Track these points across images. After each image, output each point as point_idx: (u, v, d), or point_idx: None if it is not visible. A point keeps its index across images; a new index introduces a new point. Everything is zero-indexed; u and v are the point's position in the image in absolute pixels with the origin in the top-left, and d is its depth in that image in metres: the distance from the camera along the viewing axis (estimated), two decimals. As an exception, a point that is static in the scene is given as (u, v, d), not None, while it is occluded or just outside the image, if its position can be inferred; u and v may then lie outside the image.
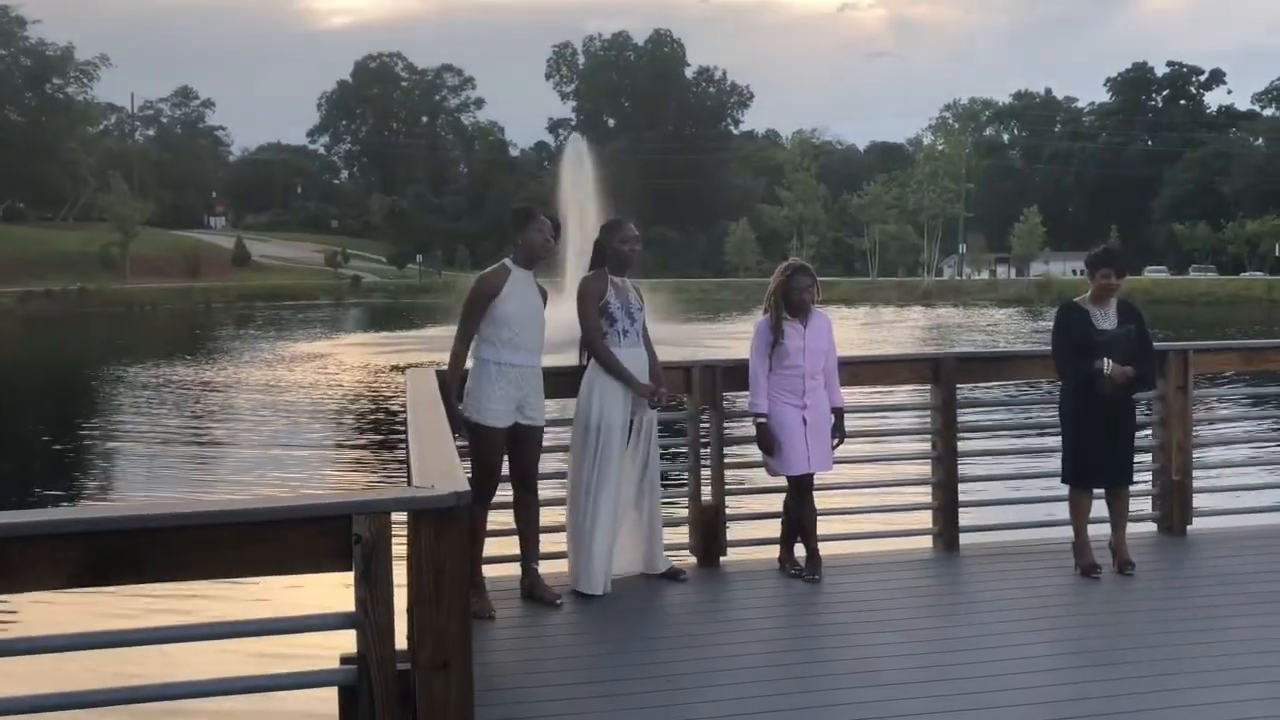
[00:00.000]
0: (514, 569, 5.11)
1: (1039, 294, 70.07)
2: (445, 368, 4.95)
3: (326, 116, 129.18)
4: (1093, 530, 5.46)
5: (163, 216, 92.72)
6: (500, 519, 5.16)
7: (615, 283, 5.09)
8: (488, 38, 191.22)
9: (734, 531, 5.74)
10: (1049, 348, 5.49)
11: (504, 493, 4.99)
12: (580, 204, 42.09)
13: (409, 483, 3.62)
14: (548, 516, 5.23)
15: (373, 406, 17.55)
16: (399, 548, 2.68)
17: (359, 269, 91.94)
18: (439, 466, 2.98)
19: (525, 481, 4.99)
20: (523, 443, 4.89)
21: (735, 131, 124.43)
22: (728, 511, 5.67)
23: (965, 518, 5.94)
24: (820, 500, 5.45)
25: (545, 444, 5.09)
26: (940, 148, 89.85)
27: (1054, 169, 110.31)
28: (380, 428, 15.20)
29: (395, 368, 23.05)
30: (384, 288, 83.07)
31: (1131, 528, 5.59)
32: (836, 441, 5.36)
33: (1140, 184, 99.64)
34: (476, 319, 4.80)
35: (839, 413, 5.37)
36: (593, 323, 5.03)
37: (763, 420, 5.23)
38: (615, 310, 5.02)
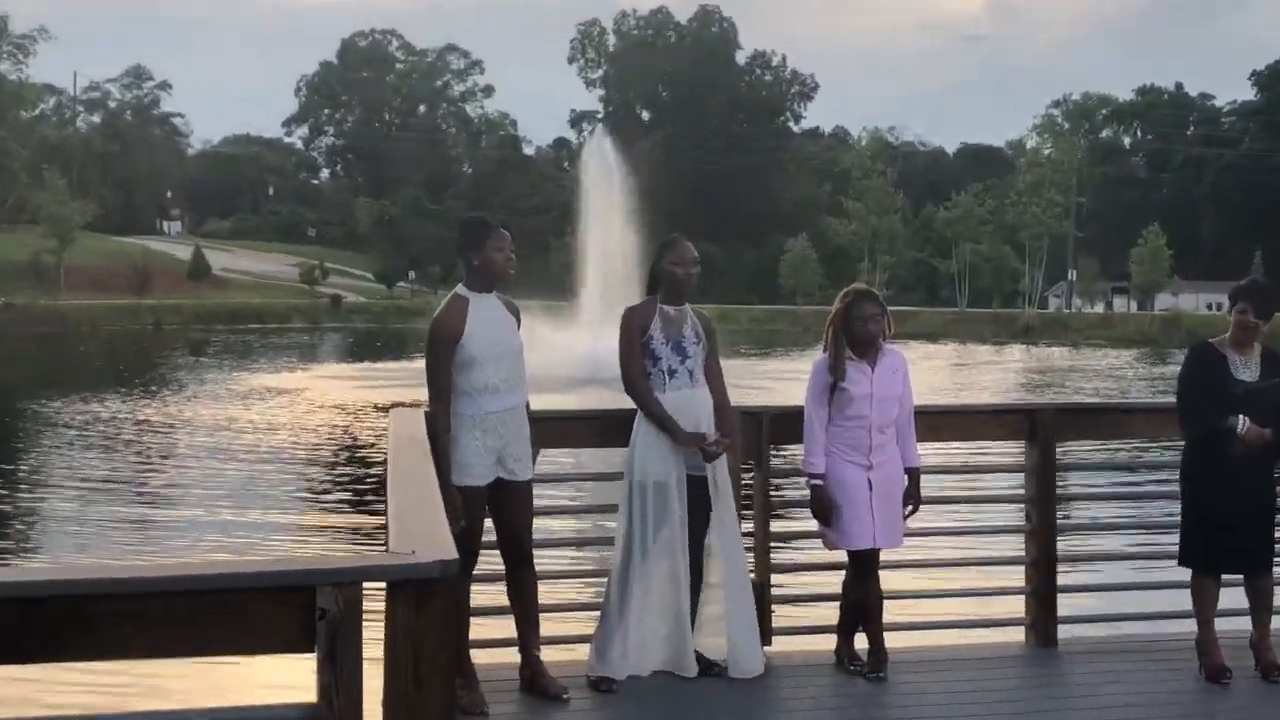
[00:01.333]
0: (511, 655, 5.12)
1: (1164, 332, 69.44)
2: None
3: (306, 104, 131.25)
4: (1225, 625, 5.40)
5: (107, 220, 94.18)
6: (493, 594, 5.18)
7: (667, 313, 5.18)
8: (499, 13, 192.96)
9: (782, 616, 5.72)
10: (1173, 399, 5.46)
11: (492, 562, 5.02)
12: (605, 213, 42.36)
13: (387, 547, 3.65)
14: (557, 593, 5.24)
15: (348, 454, 17.63)
16: (374, 627, 2.71)
17: (340, 286, 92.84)
18: (422, 528, 3.01)
19: (517, 550, 5.01)
20: (508, 502, 4.92)
21: (795, 129, 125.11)
22: (774, 592, 5.67)
23: (1065, 606, 5.90)
24: (887, 581, 5.44)
25: (562, 504, 5.13)
26: (1047, 152, 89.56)
27: (1185, 180, 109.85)
28: (357, 480, 15.26)
29: (378, 407, 23.17)
30: (369, 309, 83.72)
31: (1276, 621, 5.51)
32: (909, 510, 5.35)
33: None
34: (447, 371, 4.82)
35: (913, 474, 5.36)
36: (632, 361, 5.11)
37: (818, 482, 5.24)
38: (658, 346, 5.11)
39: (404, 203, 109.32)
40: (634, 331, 5.13)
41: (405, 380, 28.88)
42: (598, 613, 5.22)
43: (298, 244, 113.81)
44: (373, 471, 15.24)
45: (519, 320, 5.07)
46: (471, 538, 4.85)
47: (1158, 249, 79.12)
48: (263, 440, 19.17)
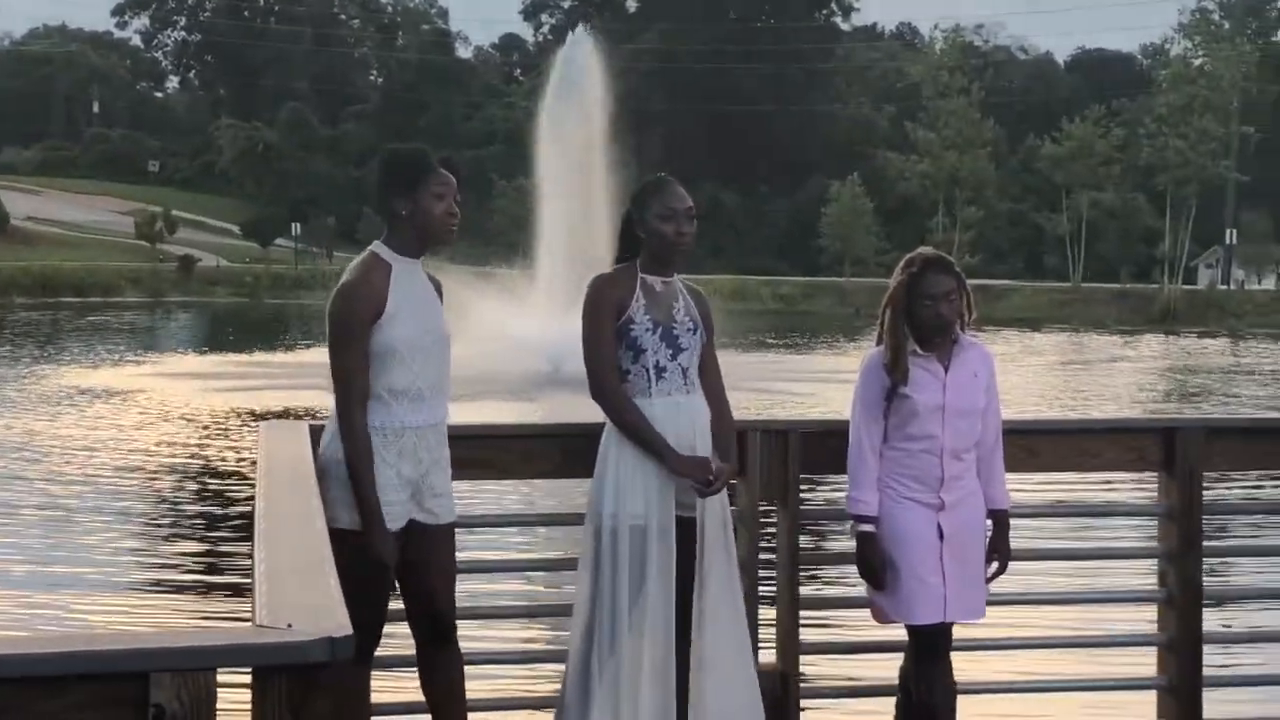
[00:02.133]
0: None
1: (1363, 320, 69.98)
2: (326, 420, 5.00)
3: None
4: None
5: None
6: (399, 683, 5.20)
7: (651, 287, 5.17)
8: None
9: (813, 716, 5.76)
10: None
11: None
12: (577, 146, 42.34)
13: (252, 619, 3.64)
14: (493, 685, 5.26)
15: (200, 485, 17.60)
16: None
17: (193, 245, 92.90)
18: (303, 592, 3.01)
19: (436, 621, 5.02)
20: (425, 555, 4.93)
21: (845, 26, 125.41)
22: (803, 683, 5.69)
23: (1215, 704, 5.93)
24: (963, 667, 5.47)
25: (503, 559, 5.14)
26: (1198, 63, 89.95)
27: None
28: (211, 524, 15.24)
29: (250, 416, 23.17)
30: (234, 277, 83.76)
31: None
32: (995, 569, 5.40)
33: None
34: (365, 361, 4.81)
35: (1002, 519, 5.41)
36: (602, 355, 5.11)
37: (868, 528, 5.27)
38: (641, 334, 5.08)
39: (284, 127, 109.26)
40: (606, 312, 5.11)
41: (288, 380, 28.90)
42: (551, 712, 5.23)
43: (133, 183, 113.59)
44: (234, 511, 15.22)
45: (442, 298, 5.10)
46: (375, 606, 4.86)
47: (1354, 201, 79.41)
48: (76, 465, 19.11)
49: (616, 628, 4.99)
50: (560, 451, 5.56)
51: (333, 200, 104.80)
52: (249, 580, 4.49)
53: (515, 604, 7.54)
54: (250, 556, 4.75)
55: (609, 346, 5.09)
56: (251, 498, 4.94)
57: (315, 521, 3.82)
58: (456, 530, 5.08)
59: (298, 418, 18.28)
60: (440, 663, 5.03)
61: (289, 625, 2.76)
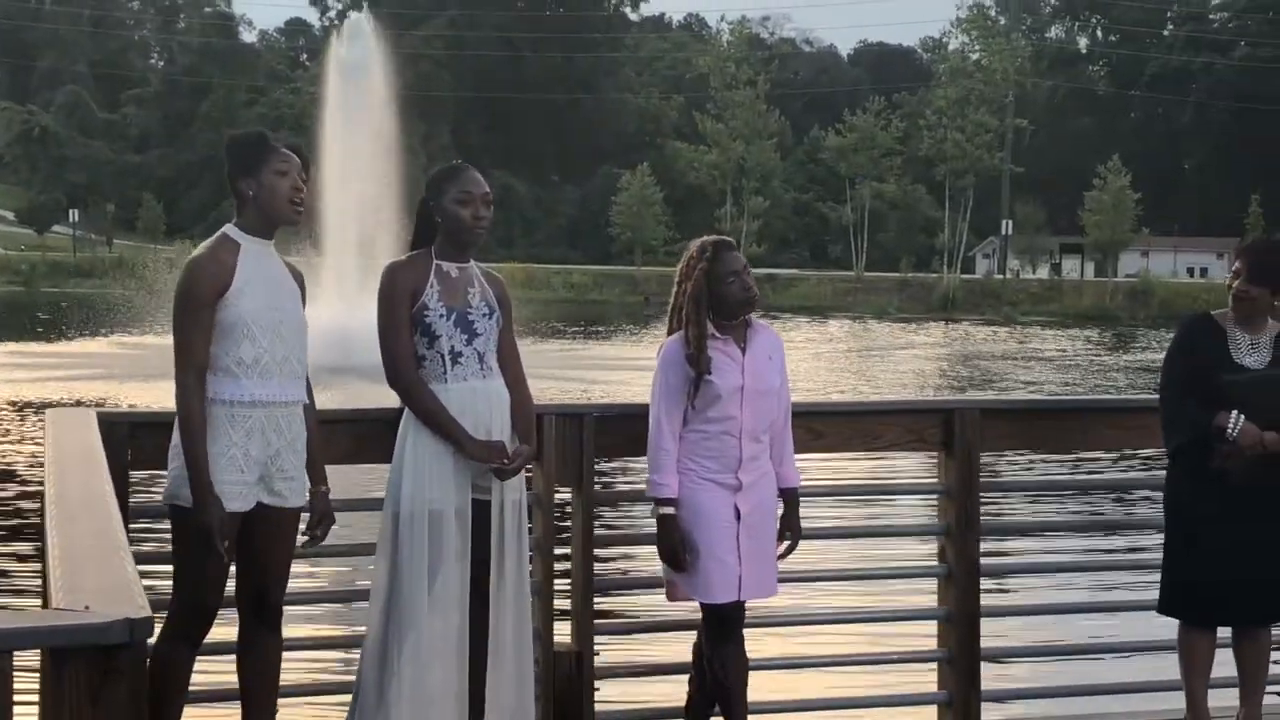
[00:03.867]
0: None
1: (1129, 306, 72.56)
2: (118, 409, 4.93)
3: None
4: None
5: None
6: (215, 671, 5.14)
7: (446, 273, 5.17)
8: None
9: (607, 694, 5.83)
10: (1142, 395, 5.71)
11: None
12: (363, 133, 41.91)
13: (45, 603, 3.58)
14: (300, 667, 5.23)
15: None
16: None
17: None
18: (99, 574, 2.99)
19: (262, 606, 4.99)
20: (265, 539, 4.90)
21: (633, 16, 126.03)
22: (598, 662, 5.74)
23: (992, 676, 6.17)
24: (754, 645, 5.56)
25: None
26: (975, 57, 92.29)
27: (1160, 99, 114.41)
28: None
29: (27, 408, 22.54)
30: (10, 264, 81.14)
31: (1268, 697, 5.84)
32: (787, 546, 5.50)
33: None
34: (206, 333, 4.79)
35: (792, 497, 5.51)
36: (398, 341, 5.10)
37: (669, 510, 5.32)
38: (436, 320, 5.08)
39: (62, 110, 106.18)
40: (400, 298, 5.10)
41: (68, 370, 28.18)
42: (347, 698, 5.22)
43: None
44: (24, 502, 14.85)
45: (304, 293, 5.07)
46: (208, 590, 4.83)
47: (1121, 193, 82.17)
48: None
49: (414, 610, 5.00)
50: (352, 438, 5.52)
51: (112, 186, 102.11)
52: (38, 567, 4.42)
53: (307, 589, 7.46)
54: (41, 543, 4.69)
55: (404, 333, 5.09)
56: (38, 484, 4.87)
57: (110, 506, 3.77)
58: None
59: (85, 406, 17.79)
60: (263, 649, 4.99)
61: (86, 607, 2.74)
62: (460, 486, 5.06)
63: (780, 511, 5.49)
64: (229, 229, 4.96)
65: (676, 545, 5.29)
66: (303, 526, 5.06)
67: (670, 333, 5.44)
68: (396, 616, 5.03)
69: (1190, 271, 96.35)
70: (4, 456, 18.36)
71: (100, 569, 3.06)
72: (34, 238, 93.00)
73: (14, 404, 23.33)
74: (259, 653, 5.00)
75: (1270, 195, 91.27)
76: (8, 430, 20.53)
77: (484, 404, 5.11)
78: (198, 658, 4.98)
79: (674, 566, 5.32)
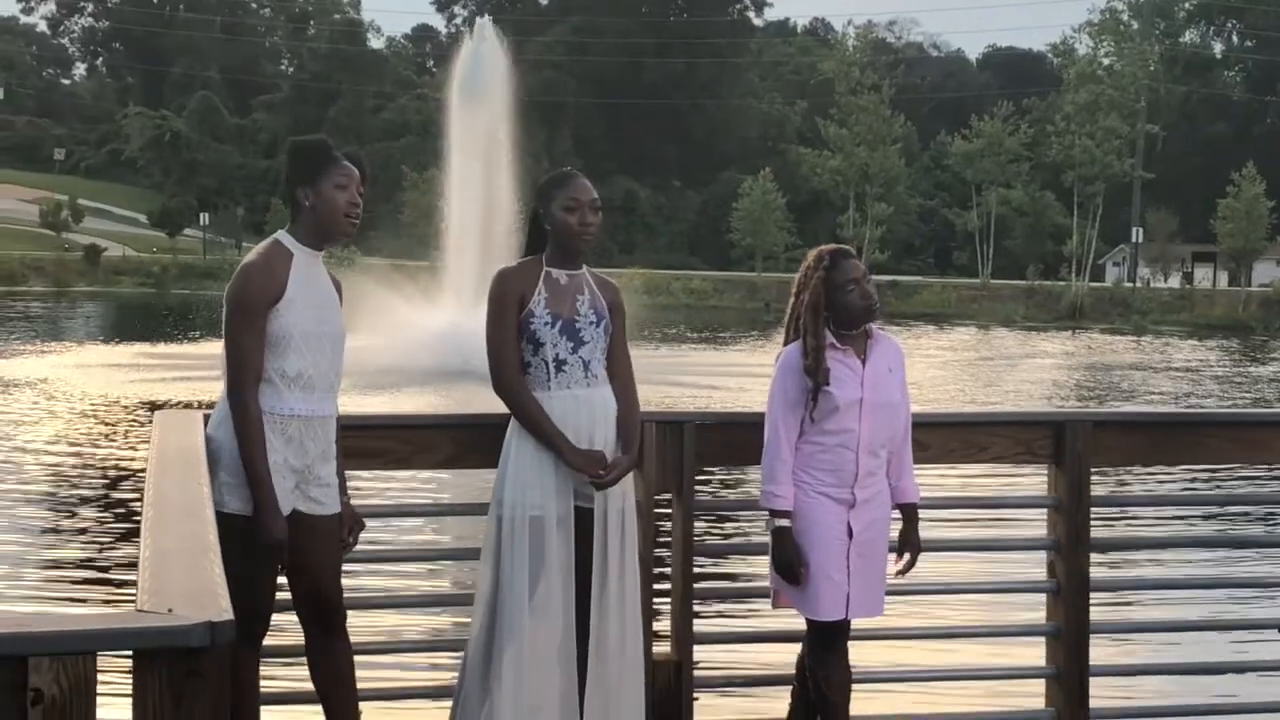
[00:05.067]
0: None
1: (1263, 316, 71.11)
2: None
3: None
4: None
5: None
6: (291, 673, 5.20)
7: (555, 280, 5.19)
8: None
9: (707, 705, 5.82)
10: (1246, 410, 5.63)
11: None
12: (486, 138, 42.24)
13: (136, 605, 3.64)
14: (390, 674, 5.26)
15: (99, 474, 17.45)
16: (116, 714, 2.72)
17: (100, 234, 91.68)
18: (185, 577, 3.02)
19: (322, 611, 5.03)
20: (308, 543, 4.93)
21: (757, 20, 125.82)
22: (696, 672, 5.73)
23: (1102, 693, 6.04)
24: (858, 656, 5.53)
25: (404, 548, 5.14)
26: (1106, 62, 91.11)
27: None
28: (106, 510, 15.13)
29: (149, 407, 22.94)
30: (141, 267, 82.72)
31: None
32: (906, 562, 5.46)
33: None
34: (260, 341, 4.83)
35: (912, 513, 5.47)
36: (504, 347, 5.13)
37: (785, 523, 5.30)
38: (541, 327, 5.10)
39: (194, 115, 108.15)
40: (507, 305, 5.13)
41: (195, 370, 28.65)
42: (444, 702, 5.25)
43: (39, 171, 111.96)
44: (132, 498, 15.11)
45: (342, 299, 5.10)
46: (263, 591, 4.87)
47: (1255, 200, 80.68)
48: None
49: (517, 616, 5.02)
50: (452, 441, 5.56)
51: (242, 190, 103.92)
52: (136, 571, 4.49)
53: (417, 593, 7.53)
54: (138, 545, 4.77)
55: (510, 339, 5.11)
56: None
57: (203, 509, 3.82)
58: (367, 520, 5.14)
59: (188, 409, 18.10)
60: (328, 651, 5.03)
61: (170, 610, 2.77)
62: (562, 494, 5.08)
63: (896, 527, 5.45)
64: (282, 236, 4.97)
65: (792, 558, 5.27)
66: None
67: (788, 342, 5.41)
68: (500, 622, 5.05)
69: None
70: (117, 457, 18.71)
71: (186, 572, 3.11)
72: (165, 240, 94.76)
73: (140, 403, 23.76)
74: (327, 658, 5.04)
75: None
76: (127, 431, 20.91)
77: (587, 412, 5.13)
78: (280, 662, 5.04)
79: (788, 580, 5.30)
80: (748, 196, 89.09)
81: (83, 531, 14.25)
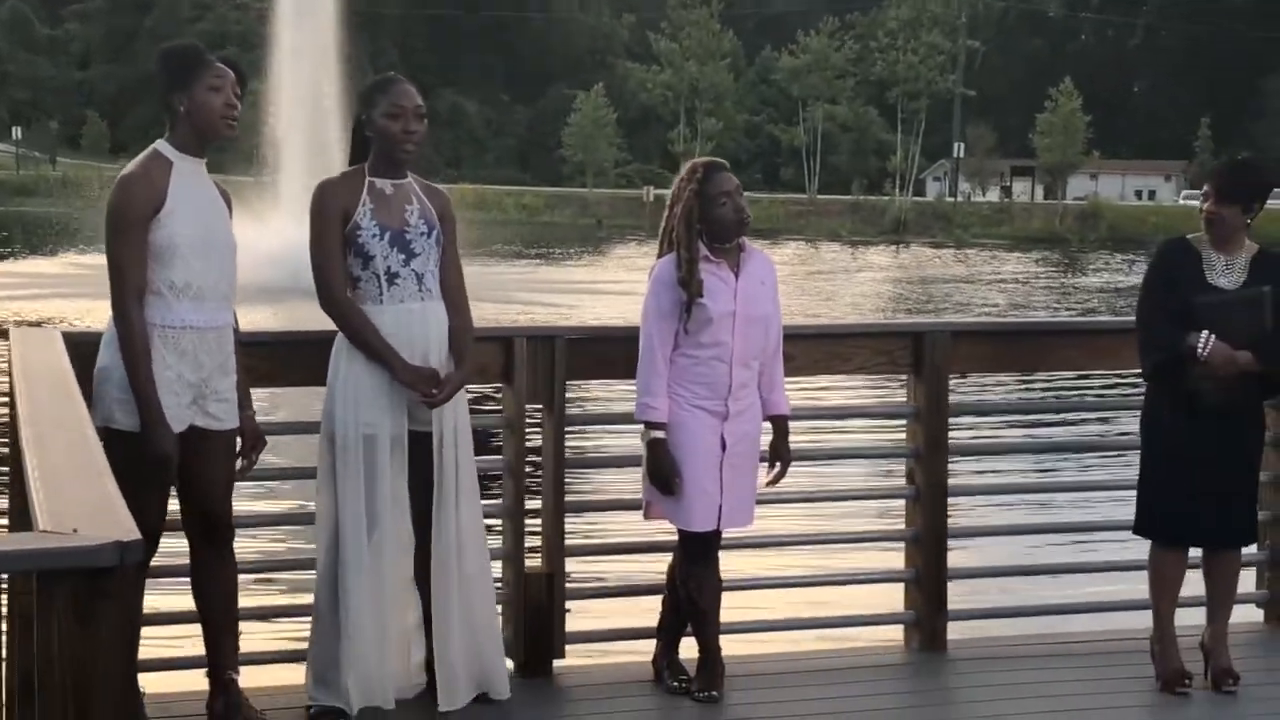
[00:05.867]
0: (194, 680, 5.10)
1: (1079, 228, 73.02)
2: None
3: None
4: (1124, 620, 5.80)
5: None
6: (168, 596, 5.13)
7: (380, 190, 5.06)
8: None
9: (579, 618, 5.85)
10: (1107, 317, 5.77)
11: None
12: (306, 51, 41.49)
13: (21, 526, 3.55)
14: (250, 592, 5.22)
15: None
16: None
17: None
18: (82, 497, 2.95)
19: (210, 527, 4.96)
20: (203, 459, 4.86)
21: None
22: (570, 585, 5.77)
23: (959, 596, 6.19)
24: (726, 565, 5.58)
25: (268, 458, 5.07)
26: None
27: (1110, 21, 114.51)
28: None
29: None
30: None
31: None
32: (775, 473, 5.52)
33: (1258, 48, 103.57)
34: (141, 254, 4.72)
35: (782, 425, 5.52)
36: (329, 261, 5.00)
37: (660, 434, 5.30)
38: (369, 240, 4.98)
39: (3, 26, 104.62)
40: (330, 218, 4.99)
41: (21, 289, 27.99)
42: (308, 620, 5.20)
43: None
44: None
45: (230, 211, 4.99)
46: (152, 510, 4.78)
47: (1072, 115, 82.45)
48: None
49: (356, 542, 4.95)
50: (290, 360, 5.48)
51: (56, 103, 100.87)
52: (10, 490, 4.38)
53: (263, 512, 7.44)
54: (12, 468, 4.64)
55: (335, 253, 4.98)
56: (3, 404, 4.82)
57: (85, 427, 3.73)
58: None
59: (48, 326, 17.66)
60: (214, 572, 4.98)
61: (74, 530, 2.71)
62: (395, 413, 4.99)
63: (768, 440, 5.50)
64: (160, 145, 4.85)
65: (667, 470, 5.28)
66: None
67: (661, 254, 5.39)
68: (341, 547, 4.98)
69: (1139, 194, 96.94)
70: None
71: (83, 491, 3.03)
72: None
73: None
74: (213, 575, 4.99)
75: (1219, 118, 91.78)
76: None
77: (420, 327, 5.02)
78: (158, 582, 4.97)
79: (663, 491, 5.31)
80: (579, 112, 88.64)
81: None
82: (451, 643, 5.10)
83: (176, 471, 4.79)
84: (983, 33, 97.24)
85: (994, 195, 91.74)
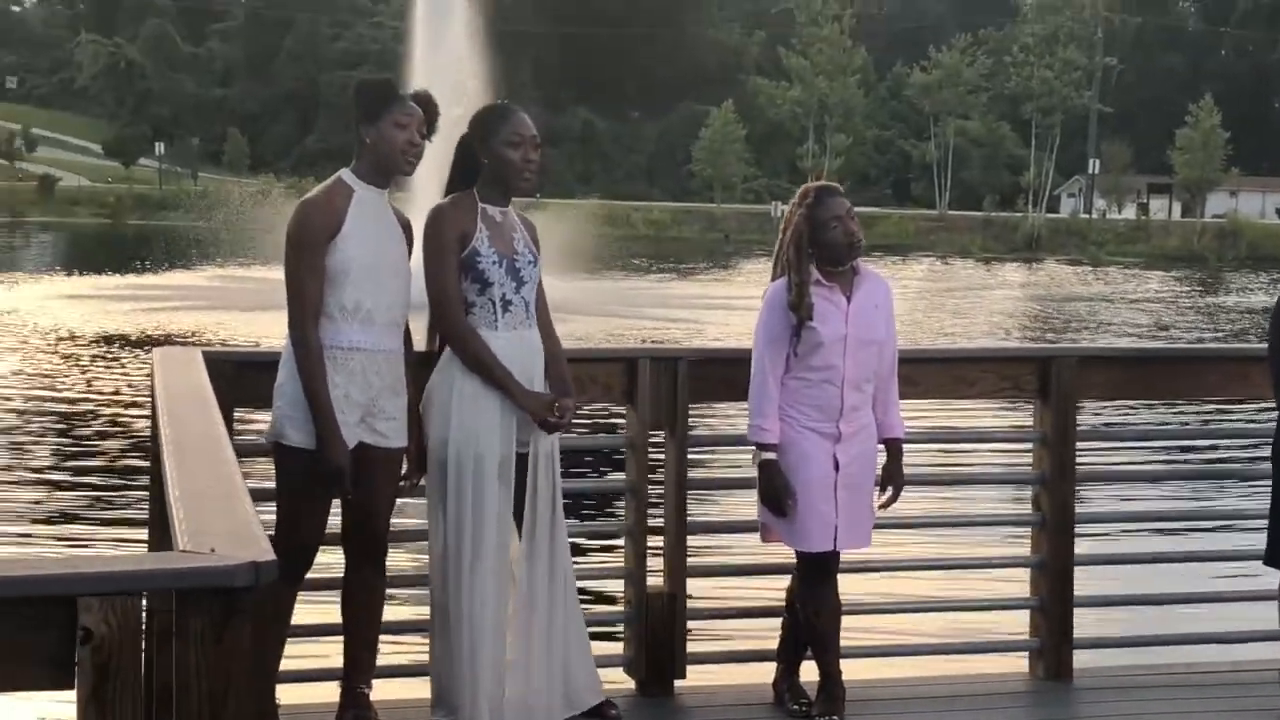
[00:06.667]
0: (327, 691, 5.19)
1: (1218, 247, 71.60)
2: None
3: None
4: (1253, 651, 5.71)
5: None
6: (313, 609, 5.22)
7: (491, 216, 5.10)
8: None
9: (700, 639, 5.90)
10: (1244, 343, 5.67)
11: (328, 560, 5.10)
12: (442, 69, 41.94)
13: (161, 545, 3.65)
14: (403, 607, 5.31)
15: (86, 410, 17.36)
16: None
17: (54, 164, 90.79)
18: (221, 518, 3.04)
19: (367, 543, 5.06)
20: (368, 477, 4.95)
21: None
22: (690, 605, 5.79)
23: (1085, 624, 6.14)
24: (846, 588, 5.60)
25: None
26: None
27: (1250, 36, 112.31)
28: (90, 452, 15.04)
29: (122, 343, 22.83)
30: (97, 197, 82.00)
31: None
32: (888, 496, 5.50)
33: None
34: (318, 276, 4.84)
35: (896, 448, 5.51)
36: (448, 288, 5.02)
37: (771, 455, 5.32)
38: (488, 265, 5.01)
39: (147, 44, 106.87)
40: (449, 242, 5.01)
41: (165, 302, 28.55)
42: (425, 636, 5.26)
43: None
44: (125, 439, 15.05)
45: (411, 241, 5.09)
46: (315, 525, 4.91)
47: (1211, 132, 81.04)
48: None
49: (479, 555, 4.98)
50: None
51: (197, 120, 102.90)
52: (142, 507, 4.51)
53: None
54: (154, 485, 4.77)
55: (454, 278, 5.00)
56: (145, 423, 4.95)
57: (225, 448, 3.83)
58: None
59: (181, 342, 18.00)
60: (365, 586, 5.08)
61: (212, 550, 2.80)
62: (505, 437, 5.00)
63: (882, 462, 5.50)
64: (344, 173, 5.00)
65: (779, 491, 5.29)
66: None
67: (775, 278, 5.42)
68: (456, 567, 4.99)
69: (1279, 212, 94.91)
70: (107, 388, 18.59)
71: (222, 512, 3.11)
72: (120, 170, 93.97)
73: (109, 338, 23.63)
74: (363, 590, 5.09)
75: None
76: (107, 364, 20.77)
77: (530, 354, 5.06)
78: (304, 594, 5.08)
79: (775, 512, 5.33)
80: (711, 128, 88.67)
81: (80, 466, 14.13)
82: (547, 661, 5.13)
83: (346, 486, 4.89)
84: (1119, 48, 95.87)
85: (1130, 212, 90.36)
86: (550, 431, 5.04)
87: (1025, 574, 6.18)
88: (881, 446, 5.51)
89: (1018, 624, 6.22)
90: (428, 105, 5.02)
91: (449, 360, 5.02)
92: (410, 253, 5.09)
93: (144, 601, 2.79)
